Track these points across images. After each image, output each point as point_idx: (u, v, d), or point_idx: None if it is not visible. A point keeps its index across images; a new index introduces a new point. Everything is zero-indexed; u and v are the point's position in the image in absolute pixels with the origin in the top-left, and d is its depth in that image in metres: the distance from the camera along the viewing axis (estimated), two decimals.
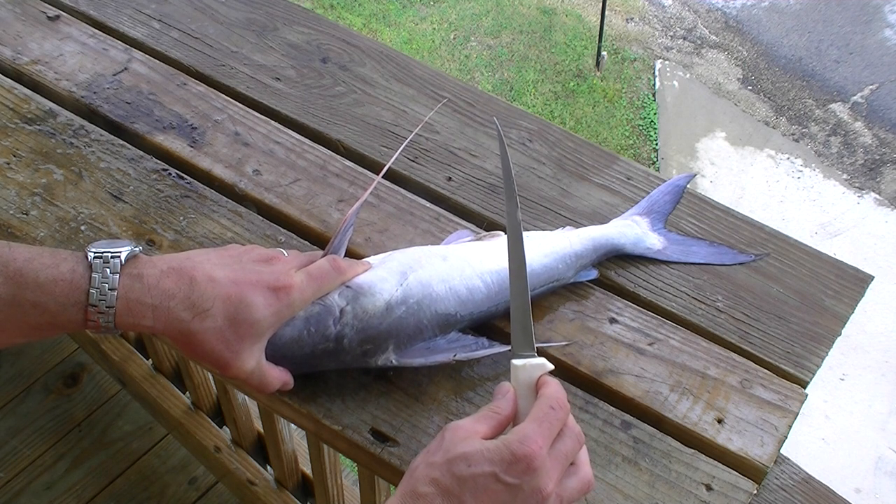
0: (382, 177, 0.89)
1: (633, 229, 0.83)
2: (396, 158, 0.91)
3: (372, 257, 0.74)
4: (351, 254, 0.79)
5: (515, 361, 0.61)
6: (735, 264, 0.82)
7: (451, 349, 0.70)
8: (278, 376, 0.66)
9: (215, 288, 0.62)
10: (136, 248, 0.63)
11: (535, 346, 0.63)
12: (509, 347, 0.72)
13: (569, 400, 0.71)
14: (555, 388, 0.60)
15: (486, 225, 0.85)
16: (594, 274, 0.80)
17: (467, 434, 0.57)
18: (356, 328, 0.67)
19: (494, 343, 0.72)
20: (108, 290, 0.61)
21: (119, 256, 0.62)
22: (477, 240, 0.78)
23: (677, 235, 0.84)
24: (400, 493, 0.56)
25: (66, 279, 0.61)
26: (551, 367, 0.61)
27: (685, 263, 0.82)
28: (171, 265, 0.63)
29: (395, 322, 0.69)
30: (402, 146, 0.86)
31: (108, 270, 0.61)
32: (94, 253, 0.62)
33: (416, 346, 0.70)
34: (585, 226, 0.84)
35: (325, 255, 0.71)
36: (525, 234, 0.80)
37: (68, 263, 0.61)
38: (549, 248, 0.77)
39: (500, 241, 0.77)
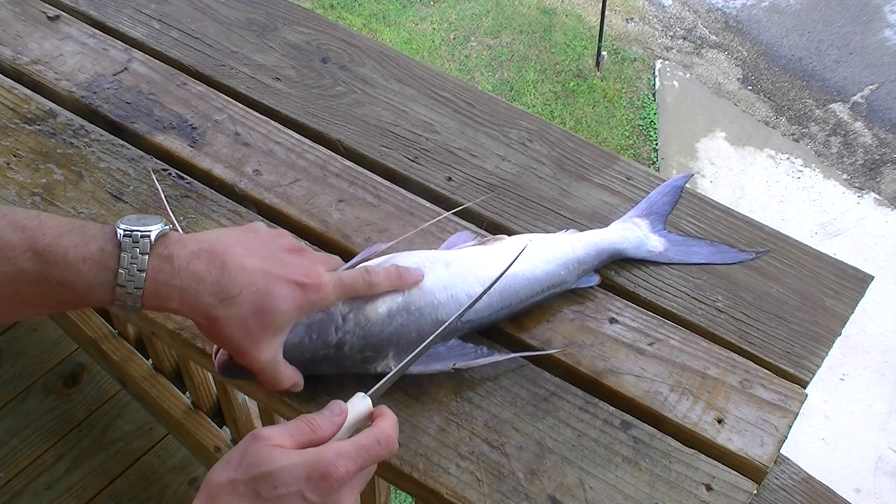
0: (384, 178, 0.89)
1: (634, 232, 0.83)
2: (396, 159, 0.91)
3: (375, 260, 0.74)
4: (351, 254, 0.79)
5: (363, 394, 0.62)
6: (736, 263, 0.82)
7: (451, 357, 0.70)
8: (290, 374, 0.66)
9: (245, 275, 0.62)
10: (167, 227, 0.63)
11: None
12: (509, 356, 0.72)
13: (569, 400, 0.71)
14: (391, 423, 0.60)
15: (486, 225, 0.85)
16: (596, 280, 0.79)
17: (272, 447, 0.55)
18: (357, 335, 0.67)
19: (494, 351, 0.72)
20: (137, 271, 0.60)
21: (149, 236, 0.60)
22: (480, 244, 0.78)
23: (677, 236, 0.84)
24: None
25: (94, 258, 0.60)
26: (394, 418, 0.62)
27: (686, 264, 0.82)
28: (202, 246, 0.62)
29: (397, 329, 0.69)
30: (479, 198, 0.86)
31: (137, 250, 0.60)
32: (124, 231, 0.60)
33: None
34: (586, 226, 0.85)
35: (351, 265, 0.71)
36: (527, 236, 0.80)
37: (97, 241, 0.60)
38: (552, 253, 0.77)
39: (503, 246, 0.77)
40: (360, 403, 0.61)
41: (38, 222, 0.60)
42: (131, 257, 0.60)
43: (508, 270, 0.74)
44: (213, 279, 0.61)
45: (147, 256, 0.60)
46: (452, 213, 0.83)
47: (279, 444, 0.55)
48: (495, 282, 0.70)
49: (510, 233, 0.83)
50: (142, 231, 0.61)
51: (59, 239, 0.59)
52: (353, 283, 0.67)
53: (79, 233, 0.61)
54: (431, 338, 0.66)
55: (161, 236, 0.62)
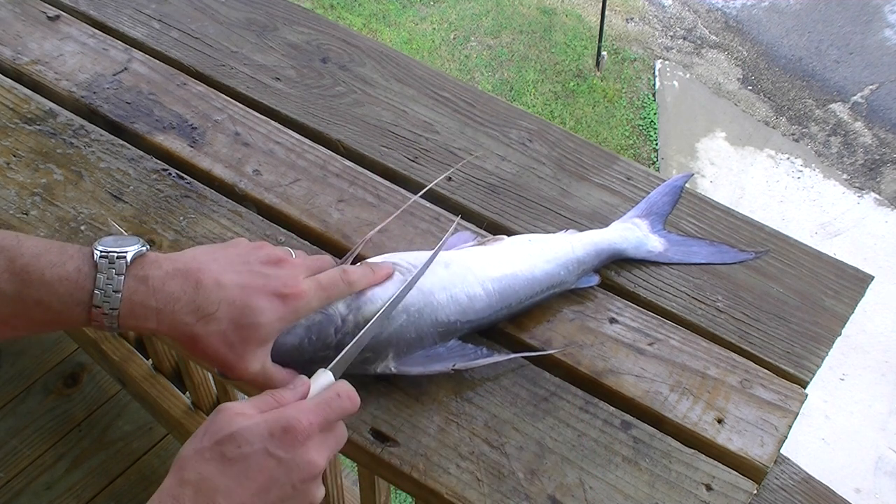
0: (384, 178, 0.89)
1: (634, 232, 0.82)
2: (396, 159, 0.91)
3: (375, 258, 0.74)
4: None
5: (324, 369, 0.62)
6: (736, 263, 0.82)
7: (451, 358, 0.70)
8: (285, 379, 0.66)
9: (221, 292, 0.62)
10: (144, 248, 0.63)
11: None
12: (508, 356, 0.72)
13: (569, 400, 0.71)
14: (347, 385, 0.61)
15: (486, 225, 0.85)
16: (596, 280, 0.79)
17: (235, 414, 0.56)
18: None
19: (493, 352, 0.72)
20: (113, 292, 0.60)
21: (125, 257, 0.61)
22: (480, 244, 0.78)
23: (677, 236, 0.84)
24: (167, 485, 0.54)
25: (71, 278, 0.60)
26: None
27: (686, 264, 0.82)
28: (177, 266, 0.62)
29: (396, 331, 0.69)
30: (451, 170, 0.86)
31: (113, 272, 0.60)
32: (101, 252, 0.61)
33: (416, 354, 0.70)
34: (586, 226, 0.85)
35: (344, 262, 0.71)
36: (526, 236, 0.80)
37: (74, 262, 0.61)
38: (552, 253, 0.77)
39: (502, 246, 0.77)
40: (322, 378, 0.62)
41: (16, 242, 0.60)
42: (107, 278, 0.60)
43: (508, 270, 0.74)
44: (188, 298, 0.61)
45: (123, 277, 0.60)
46: (420, 196, 0.83)
47: (242, 413, 0.56)
48: (429, 262, 0.71)
49: (510, 233, 0.83)
50: (118, 252, 0.61)
51: (37, 259, 0.60)
52: (332, 286, 0.67)
53: (57, 252, 0.61)
54: (386, 305, 0.67)
55: (138, 257, 0.62)
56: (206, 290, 0.61)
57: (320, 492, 0.58)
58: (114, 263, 0.61)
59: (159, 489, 0.54)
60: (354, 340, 0.65)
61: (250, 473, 0.54)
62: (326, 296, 0.67)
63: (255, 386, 0.66)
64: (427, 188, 0.82)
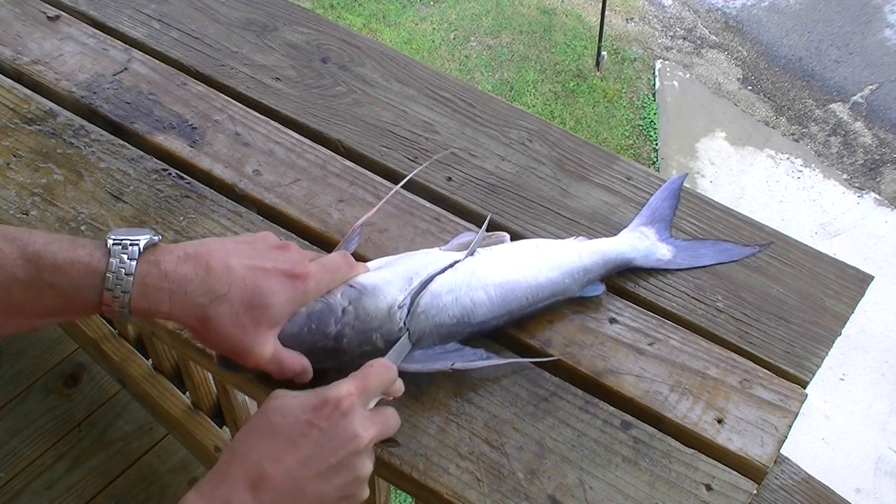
0: (384, 178, 0.89)
1: (643, 241, 0.82)
2: (396, 159, 0.91)
3: (382, 259, 0.74)
4: (353, 255, 0.79)
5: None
6: (742, 258, 0.82)
7: (450, 358, 0.70)
8: (296, 359, 0.67)
9: (232, 274, 0.63)
10: (156, 237, 0.65)
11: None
12: (508, 360, 0.72)
13: (569, 400, 0.71)
14: (382, 359, 0.65)
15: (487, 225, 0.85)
16: (601, 289, 0.78)
17: (284, 393, 0.60)
18: (356, 328, 0.67)
19: (492, 355, 0.72)
20: (125, 275, 0.61)
21: (137, 244, 0.63)
22: (482, 246, 0.78)
23: (683, 241, 0.84)
24: (219, 460, 0.58)
25: (83, 262, 0.62)
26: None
27: (695, 268, 0.82)
28: (188, 251, 0.64)
29: None
30: (429, 161, 0.86)
31: (125, 256, 0.62)
32: (113, 240, 0.63)
33: (415, 352, 0.70)
34: (586, 226, 0.84)
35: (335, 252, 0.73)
36: (534, 241, 0.80)
37: (87, 248, 0.63)
38: (558, 261, 0.76)
39: (509, 251, 0.77)
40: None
41: (28, 233, 0.62)
42: (119, 262, 0.62)
43: (513, 277, 0.74)
44: (200, 280, 0.62)
45: (135, 262, 0.62)
46: (421, 197, 0.83)
47: (289, 393, 0.61)
48: (477, 241, 0.74)
49: (510, 233, 0.83)
50: (131, 239, 0.63)
51: (49, 245, 0.62)
52: (336, 268, 0.69)
53: (68, 241, 0.63)
54: (440, 270, 0.71)
55: (150, 245, 0.64)
56: (217, 273, 0.63)
57: (367, 466, 0.60)
58: (126, 249, 0.62)
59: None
60: (426, 279, 0.70)
61: (296, 441, 0.57)
62: (332, 278, 0.68)
63: (269, 371, 0.66)
64: (407, 178, 0.82)
